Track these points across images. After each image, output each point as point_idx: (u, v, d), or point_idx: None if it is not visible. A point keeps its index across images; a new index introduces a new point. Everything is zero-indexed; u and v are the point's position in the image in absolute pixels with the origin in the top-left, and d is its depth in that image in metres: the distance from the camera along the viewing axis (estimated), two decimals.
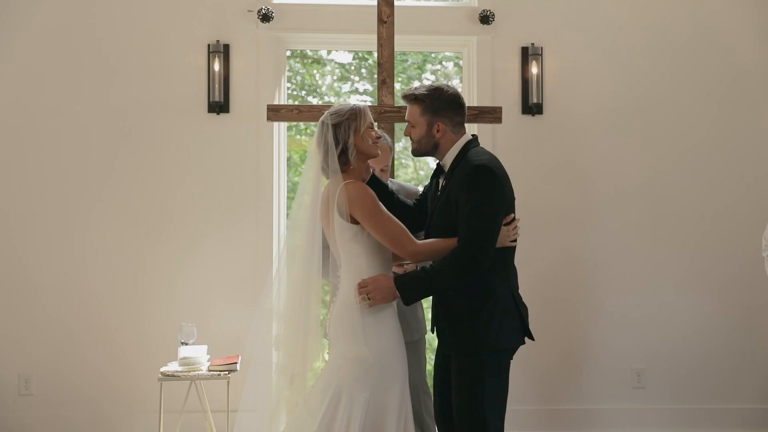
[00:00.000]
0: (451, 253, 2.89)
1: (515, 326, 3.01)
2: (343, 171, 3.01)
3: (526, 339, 3.13)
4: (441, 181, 3.13)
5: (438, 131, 3.05)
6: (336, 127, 3.00)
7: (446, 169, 3.09)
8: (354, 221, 2.95)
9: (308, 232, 3.05)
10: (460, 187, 2.93)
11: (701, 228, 5.26)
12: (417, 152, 3.14)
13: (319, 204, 3.06)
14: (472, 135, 3.13)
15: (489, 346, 2.94)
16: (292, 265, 3.08)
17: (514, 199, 3.10)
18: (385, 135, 3.92)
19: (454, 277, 2.89)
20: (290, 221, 3.16)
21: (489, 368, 2.95)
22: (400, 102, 5.26)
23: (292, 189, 5.85)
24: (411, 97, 3.07)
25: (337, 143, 2.99)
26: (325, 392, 2.94)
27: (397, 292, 2.90)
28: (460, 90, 5.57)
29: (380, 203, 2.96)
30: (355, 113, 3.02)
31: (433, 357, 3.29)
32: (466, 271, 2.88)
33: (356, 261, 2.97)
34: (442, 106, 3.05)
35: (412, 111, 3.08)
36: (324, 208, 3.03)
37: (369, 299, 2.92)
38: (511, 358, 3.07)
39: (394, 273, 3.05)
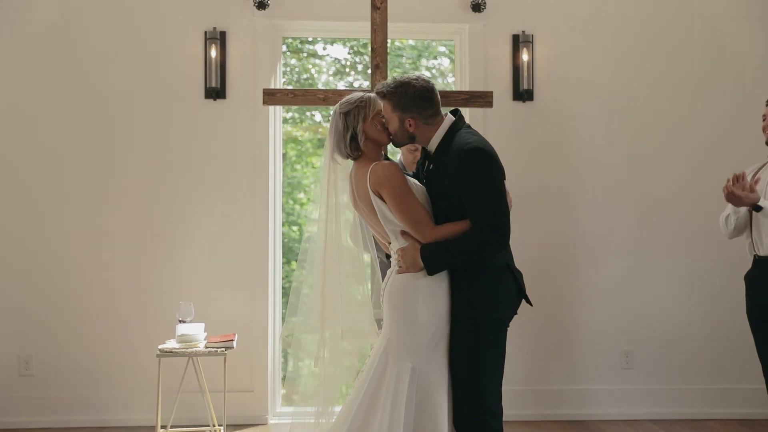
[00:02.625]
0: (472, 232, 2.97)
1: (511, 294, 3.09)
2: (355, 157, 3.15)
3: (520, 312, 3.21)
4: (427, 163, 3.20)
5: (410, 126, 3.10)
6: (346, 115, 3.13)
7: (432, 152, 3.14)
8: (383, 200, 3.06)
9: (323, 213, 3.25)
10: (457, 172, 2.98)
11: (689, 213, 5.34)
12: (395, 144, 3.23)
13: (333, 187, 3.23)
14: (454, 113, 3.17)
15: (485, 316, 3.02)
16: (315, 243, 3.30)
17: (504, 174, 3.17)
18: None
19: (477, 254, 2.99)
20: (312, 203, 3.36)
21: (486, 337, 3.02)
22: None
23: (288, 182, 5.94)
24: (381, 94, 3.13)
25: (346, 129, 3.12)
26: (373, 359, 3.07)
27: (422, 263, 3.00)
28: (453, 86, 5.69)
29: (408, 185, 3.05)
30: (364, 101, 3.14)
31: None
32: (488, 248, 2.98)
33: (401, 239, 3.09)
34: (409, 102, 3.06)
35: (384, 106, 3.13)
36: (355, 193, 3.15)
37: (398, 266, 3.06)
38: (508, 326, 3.13)
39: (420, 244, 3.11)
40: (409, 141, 3.18)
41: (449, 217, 3.06)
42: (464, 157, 2.97)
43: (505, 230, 2.98)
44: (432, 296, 3.04)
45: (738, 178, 3.79)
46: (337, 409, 3.22)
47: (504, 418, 3.13)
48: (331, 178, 3.24)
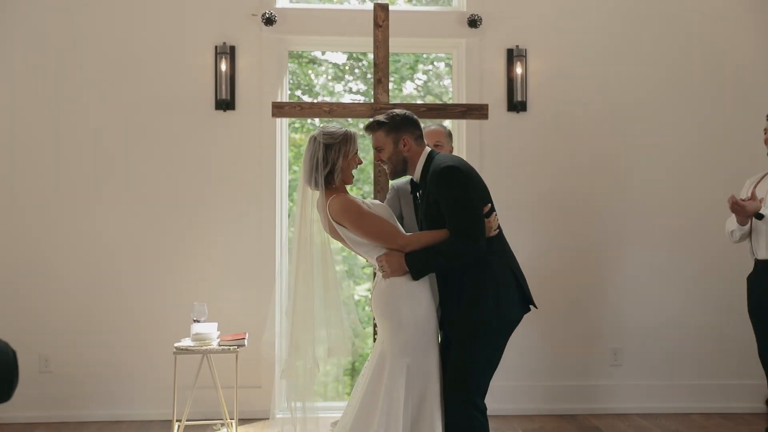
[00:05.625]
0: (448, 240, 3.17)
1: (515, 300, 3.28)
2: (326, 188, 3.26)
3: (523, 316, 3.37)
4: (418, 194, 3.44)
5: (405, 145, 3.34)
6: (327, 147, 3.21)
7: (418, 180, 3.39)
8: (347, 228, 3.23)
9: (298, 228, 3.35)
10: (435, 189, 3.22)
11: (676, 216, 5.55)
12: (392, 173, 3.42)
13: (304, 207, 3.33)
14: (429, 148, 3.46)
15: (488, 325, 3.20)
16: (291, 253, 3.42)
17: (486, 190, 3.37)
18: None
19: (455, 259, 3.19)
20: (290, 218, 3.52)
21: (484, 341, 3.22)
22: (394, 99, 5.59)
23: (293, 180, 6.16)
24: (374, 125, 3.36)
25: (326, 164, 3.21)
26: (371, 361, 3.26)
27: (407, 267, 3.20)
28: (449, 89, 5.93)
29: (363, 208, 3.22)
30: (347, 138, 3.26)
31: None
32: (464, 255, 3.18)
33: (375, 252, 3.25)
34: (401, 123, 3.32)
35: (377, 136, 3.36)
36: (323, 218, 3.30)
37: (384, 272, 3.23)
38: (510, 332, 3.29)
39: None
40: (402, 169, 3.38)
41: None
42: (439, 174, 3.21)
43: (475, 240, 3.16)
44: (413, 298, 3.20)
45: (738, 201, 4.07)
46: (299, 405, 3.38)
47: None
48: (306, 197, 3.34)
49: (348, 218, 3.19)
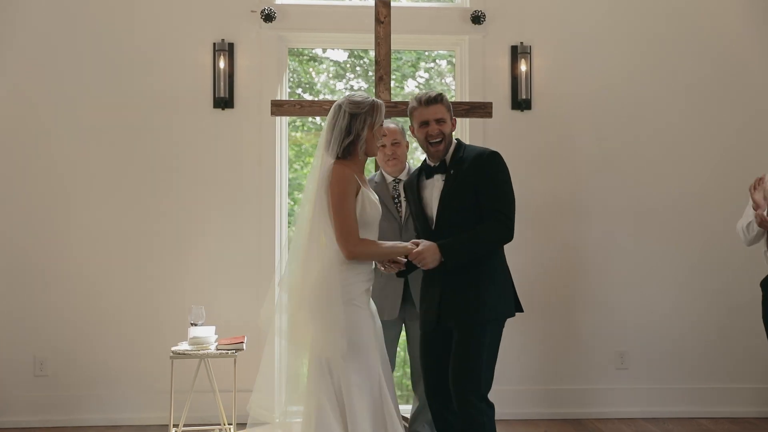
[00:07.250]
0: (487, 224, 3.24)
1: (512, 296, 3.39)
2: (344, 157, 3.14)
3: (517, 315, 3.47)
4: (441, 176, 3.41)
5: (454, 125, 3.45)
6: (353, 116, 3.12)
7: (448, 163, 3.40)
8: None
9: (315, 205, 3.17)
10: (482, 170, 3.29)
11: (683, 219, 5.48)
12: (443, 151, 3.39)
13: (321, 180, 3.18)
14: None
15: (494, 313, 3.29)
16: (300, 233, 3.23)
17: None
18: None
19: (494, 243, 3.28)
20: (303, 195, 3.37)
21: (489, 332, 3.28)
22: (395, 98, 5.49)
23: (294, 179, 6.08)
24: (439, 98, 3.38)
25: (349, 133, 3.11)
26: (310, 357, 3.15)
27: (442, 257, 3.20)
28: (452, 87, 5.86)
29: (352, 191, 3.07)
30: (373, 108, 3.15)
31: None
32: (503, 238, 3.29)
33: (321, 233, 3.11)
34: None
35: (439, 109, 3.38)
36: (322, 183, 3.14)
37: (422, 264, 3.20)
38: (503, 325, 3.39)
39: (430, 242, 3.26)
40: (449, 148, 3.40)
41: (459, 213, 3.28)
42: (489, 158, 3.32)
43: (512, 224, 3.30)
44: (350, 299, 3.09)
45: (760, 182, 3.95)
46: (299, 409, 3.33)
47: (504, 417, 3.33)
48: (324, 166, 3.18)
49: (335, 188, 3.07)
